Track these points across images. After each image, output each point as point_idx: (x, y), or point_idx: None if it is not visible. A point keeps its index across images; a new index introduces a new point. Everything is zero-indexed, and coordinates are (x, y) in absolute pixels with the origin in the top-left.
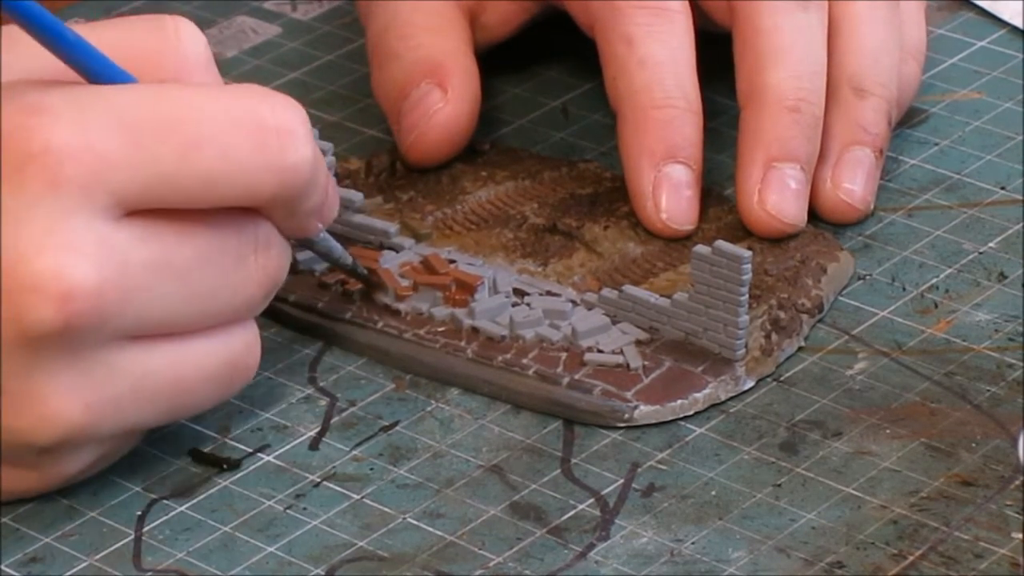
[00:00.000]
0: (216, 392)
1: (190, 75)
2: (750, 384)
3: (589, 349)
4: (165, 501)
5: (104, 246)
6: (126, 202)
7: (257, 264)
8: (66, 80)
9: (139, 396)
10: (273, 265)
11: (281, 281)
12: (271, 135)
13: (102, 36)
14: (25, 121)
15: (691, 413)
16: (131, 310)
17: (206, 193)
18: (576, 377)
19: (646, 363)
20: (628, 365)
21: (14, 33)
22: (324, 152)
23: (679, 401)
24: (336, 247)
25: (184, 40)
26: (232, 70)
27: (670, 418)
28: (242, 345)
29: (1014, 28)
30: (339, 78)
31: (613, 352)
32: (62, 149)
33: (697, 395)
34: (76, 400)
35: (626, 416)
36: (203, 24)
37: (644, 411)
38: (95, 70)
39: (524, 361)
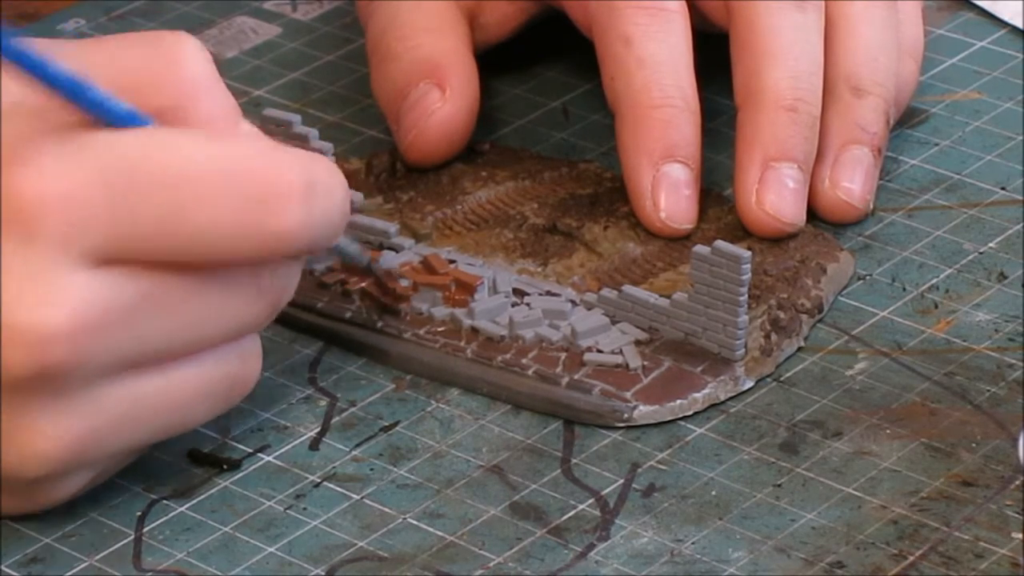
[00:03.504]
0: (214, 407)
1: (193, 98)
2: (749, 384)
3: (588, 349)
4: (165, 501)
5: (81, 293)
6: (105, 254)
7: (260, 288)
8: (65, 115)
9: (129, 423)
10: (281, 283)
11: (291, 294)
12: (256, 200)
13: (96, 57)
14: (5, 170)
15: (690, 413)
16: (115, 348)
17: (188, 253)
18: (575, 377)
19: (645, 363)
20: (627, 365)
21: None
22: (323, 153)
23: (678, 401)
24: (352, 250)
25: (185, 62)
26: (232, 70)
27: (669, 418)
28: (241, 360)
29: (1014, 28)
30: (339, 78)
31: (612, 352)
32: (40, 201)
33: (696, 395)
34: (60, 436)
35: (625, 416)
36: (203, 24)
37: (643, 411)
38: (100, 113)
39: (524, 361)
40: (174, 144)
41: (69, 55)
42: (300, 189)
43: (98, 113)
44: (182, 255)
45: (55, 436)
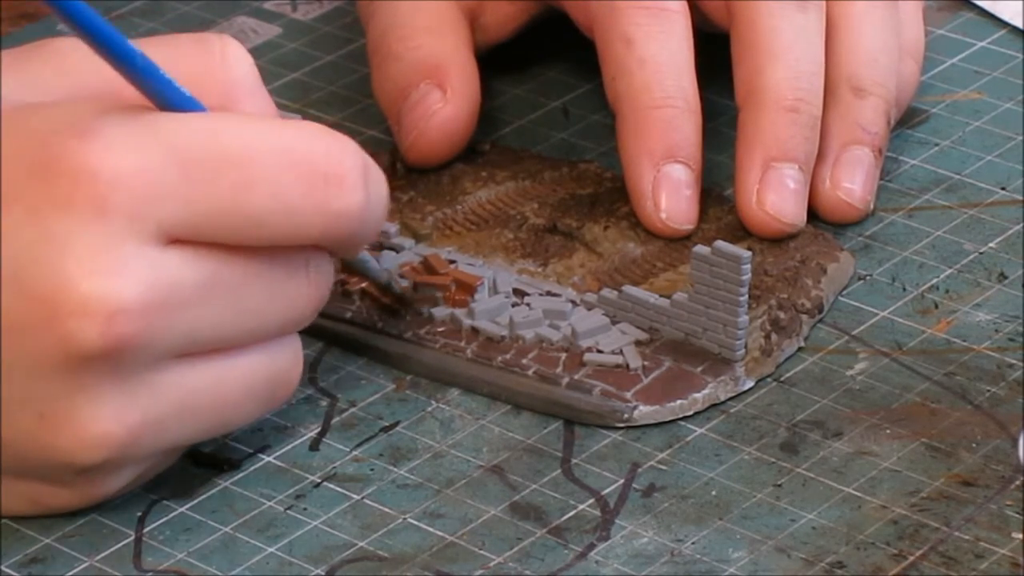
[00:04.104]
0: (258, 407)
1: (237, 100)
2: (749, 384)
3: (589, 349)
4: (165, 502)
5: (151, 269)
6: (173, 232)
7: (309, 278)
8: (125, 101)
9: (182, 415)
10: (324, 278)
11: (328, 293)
12: (321, 180)
13: (147, 55)
14: (76, 144)
15: (690, 413)
16: (178, 330)
17: (253, 232)
18: (575, 377)
19: (646, 363)
20: (628, 365)
21: (77, 44)
22: None
23: (678, 401)
24: (373, 266)
25: (231, 63)
26: None
27: (669, 418)
28: (286, 359)
29: (1014, 28)
30: (339, 79)
31: (613, 352)
32: (112, 175)
33: (696, 395)
34: (119, 421)
35: (625, 416)
36: (203, 24)
37: (643, 411)
38: (162, 94)
39: (524, 361)
40: (238, 126)
41: None
42: (360, 170)
43: (162, 93)
44: (249, 234)
45: (115, 420)
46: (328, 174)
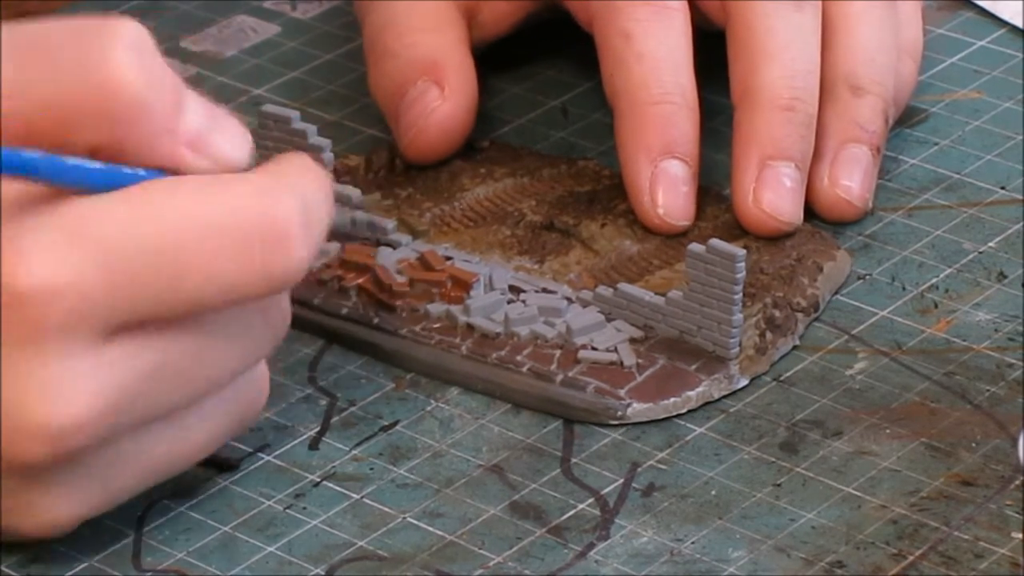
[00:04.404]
0: (224, 438)
1: (129, 128)
2: (744, 383)
3: (583, 346)
4: (165, 501)
5: (94, 375)
6: (111, 329)
7: (264, 324)
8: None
9: (141, 475)
10: (279, 318)
11: (287, 326)
12: (258, 246)
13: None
14: (3, 267)
15: (684, 411)
16: (128, 419)
17: (192, 311)
18: (570, 374)
19: (640, 361)
20: (622, 363)
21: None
22: (322, 149)
23: (672, 399)
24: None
25: (113, 81)
26: (231, 69)
27: (663, 416)
28: (250, 389)
29: (1014, 28)
30: (338, 77)
31: (607, 350)
32: (42, 296)
33: (690, 393)
34: (75, 505)
35: (619, 413)
36: (202, 23)
37: (637, 409)
38: (74, 182)
39: (518, 358)
40: (161, 205)
41: None
42: (297, 220)
43: (72, 182)
44: (189, 311)
45: (69, 506)
46: (265, 236)
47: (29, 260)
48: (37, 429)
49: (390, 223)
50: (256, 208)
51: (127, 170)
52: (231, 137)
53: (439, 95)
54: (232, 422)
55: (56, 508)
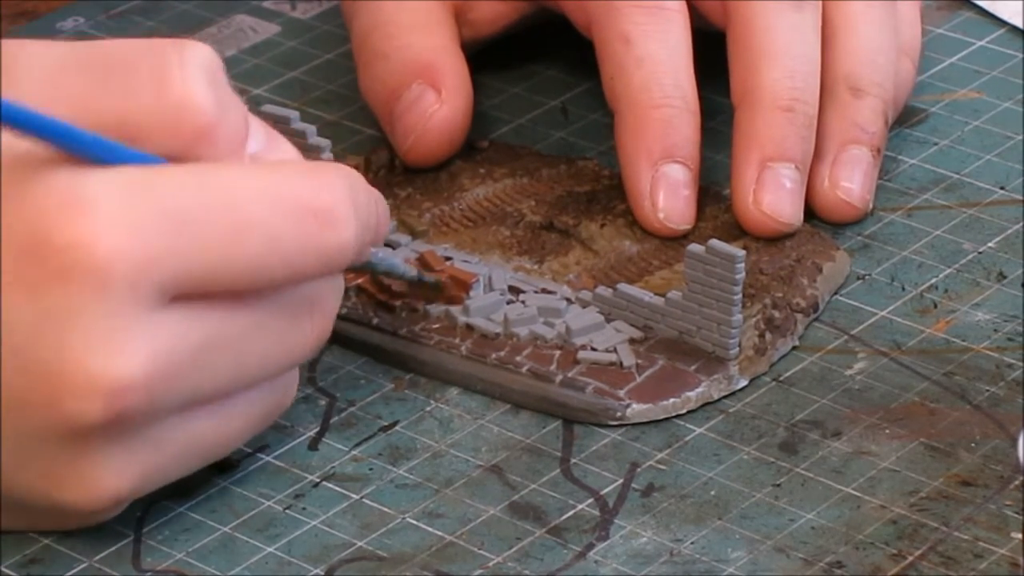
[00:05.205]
0: (252, 434)
1: (205, 144)
2: (743, 383)
3: (583, 347)
4: (164, 502)
5: (153, 336)
6: (174, 291)
7: (312, 323)
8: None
9: (183, 458)
10: (326, 321)
11: (328, 335)
12: (312, 218)
13: (90, 101)
14: (67, 218)
15: (684, 412)
16: (181, 391)
17: (252, 279)
18: (569, 375)
19: (639, 361)
20: (621, 363)
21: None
22: (321, 149)
23: (672, 400)
24: (397, 264)
25: (192, 108)
26: (231, 69)
27: (663, 416)
28: (283, 389)
29: (1013, 28)
30: (338, 77)
31: (606, 350)
32: (109, 245)
33: (690, 394)
34: (123, 477)
35: (618, 414)
36: (202, 23)
37: (637, 409)
38: (107, 159)
39: (518, 359)
40: (222, 175)
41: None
42: (347, 202)
43: (109, 158)
44: (247, 282)
45: (117, 478)
46: (318, 211)
47: (96, 214)
48: (94, 381)
49: (390, 223)
50: (309, 184)
51: (135, 151)
52: (287, 160)
53: (436, 98)
54: (263, 418)
55: (101, 481)
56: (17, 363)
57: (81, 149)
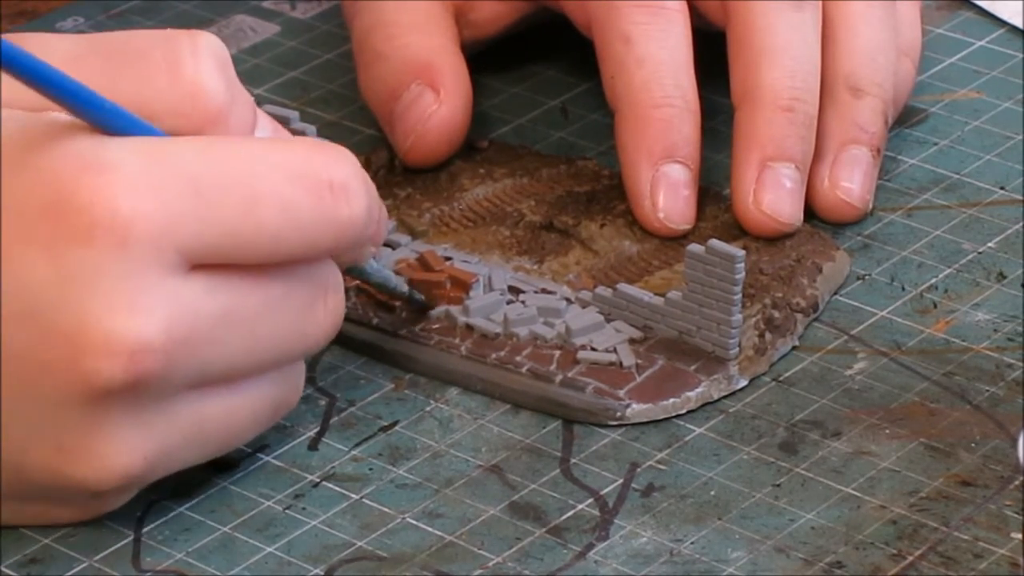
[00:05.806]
0: (260, 428)
1: (215, 126)
2: (743, 383)
3: (582, 347)
4: (164, 502)
5: (173, 301)
6: (193, 257)
7: (326, 308)
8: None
9: (193, 442)
10: (339, 306)
11: (337, 329)
12: (327, 190)
13: (111, 80)
14: (89, 180)
15: (684, 412)
16: (196, 362)
17: (269, 248)
18: (569, 375)
19: (639, 361)
20: (621, 363)
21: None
22: None
23: (671, 399)
24: (390, 276)
25: (206, 94)
26: None
27: (662, 416)
28: (290, 383)
29: (1013, 28)
30: (338, 77)
31: (606, 350)
32: (131, 206)
33: (690, 394)
34: (135, 452)
35: (618, 414)
36: (202, 23)
37: (636, 409)
38: (110, 123)
39: (518, 359)
40: (238, 146)
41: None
42: (359, 177)
43: (117, 126)
44: (264, 251)
45: (131, 451)
46: (332, 183)
47: (117, 177)
48: (115, 341)
49: (390, 223)
50: (322, 158)
51: (153, 126)
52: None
53: (435, 99)
54: (271, 413)
55: (112, 456)
56: (36, 324)
57: (103, 117)
